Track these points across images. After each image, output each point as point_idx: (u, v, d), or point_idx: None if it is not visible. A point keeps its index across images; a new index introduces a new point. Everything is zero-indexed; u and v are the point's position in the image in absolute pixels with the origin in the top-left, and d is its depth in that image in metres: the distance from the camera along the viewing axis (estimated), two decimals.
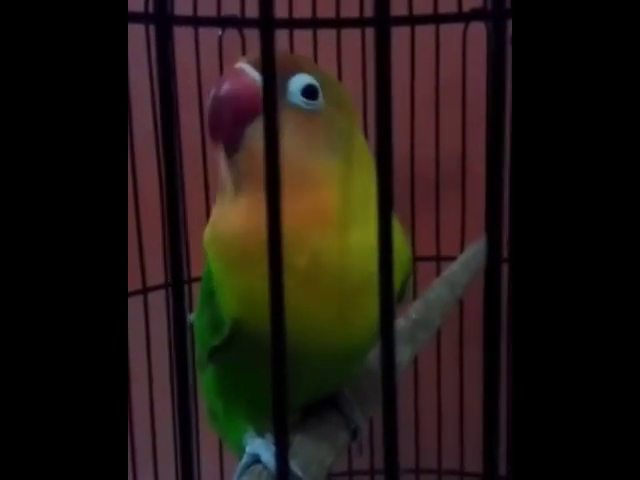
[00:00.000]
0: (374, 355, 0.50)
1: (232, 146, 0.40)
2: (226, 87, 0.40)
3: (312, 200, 0.40)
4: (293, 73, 0.41)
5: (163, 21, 0.19)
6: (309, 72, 0.41)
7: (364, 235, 0.40)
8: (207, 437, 0.58)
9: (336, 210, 0.40)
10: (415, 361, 0.89)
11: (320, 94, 0.41)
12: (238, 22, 0.79)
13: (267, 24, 0.19)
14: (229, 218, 0.42)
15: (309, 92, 0.41)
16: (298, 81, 0.41)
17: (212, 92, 0.41)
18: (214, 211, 0.44)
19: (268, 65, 0.19)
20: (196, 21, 0.78)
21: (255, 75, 0.40)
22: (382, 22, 0.18)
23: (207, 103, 0.41)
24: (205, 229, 0.45)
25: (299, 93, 0.41)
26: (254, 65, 0.40)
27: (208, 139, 0.82)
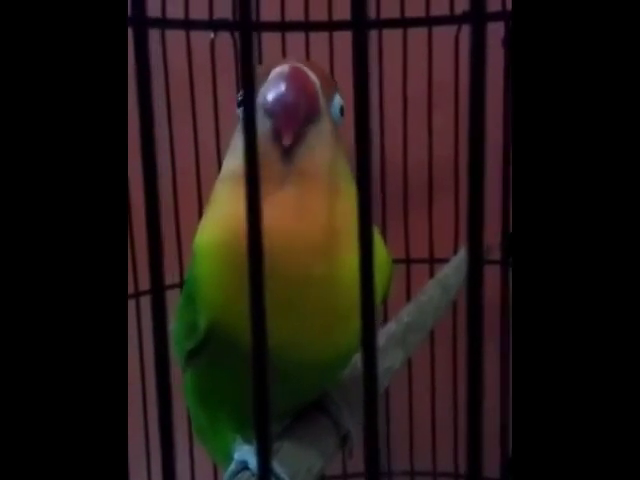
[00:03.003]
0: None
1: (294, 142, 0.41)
2: (294, 85, 0.41)
3: (337, 211, 0.42)
4: (336, 90, 0.45)
5: (141, 23, 0.18)
6: (340, 93, 0.45)
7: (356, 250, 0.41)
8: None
9: (346, 222, 0.42)
10: (409, 364, 0.89)
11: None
12: (230, 25, 0.78)
13: (246, 27, 0.19)
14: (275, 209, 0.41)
15: (341, 111, 0.45)
16: (338, 99, 0.45)
17: (273, 87, 0.41)
18: (228, 204, 0.43)
19: (247, 68, 0.19)
20: (188, 24, 0.78)
21: (315, 79, 0.42)
22: (359, 26, 0.18)
23: (273, 95, 0.41)
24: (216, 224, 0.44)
25: (338, 109, 0.45)
26: (311, 69, 0.43)
27: (201, 140, 0.82)
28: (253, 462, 0.43)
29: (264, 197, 0.40)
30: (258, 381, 0.20)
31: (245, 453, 0.44)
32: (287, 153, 0.41)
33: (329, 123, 0.43)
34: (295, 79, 0.41)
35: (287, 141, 0.40)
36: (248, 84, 0.19)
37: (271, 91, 0.41)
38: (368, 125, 0.18)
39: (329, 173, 0.42)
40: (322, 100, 0.42)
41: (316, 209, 0.41)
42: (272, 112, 0.41)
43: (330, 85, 0.44)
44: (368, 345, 0.20)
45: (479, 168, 0.19)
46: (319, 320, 0.42)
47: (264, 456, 0.20)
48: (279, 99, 0.40)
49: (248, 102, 0.19)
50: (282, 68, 0.42)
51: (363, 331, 0.20)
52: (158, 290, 0.21)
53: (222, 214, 0.42)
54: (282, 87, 0.41)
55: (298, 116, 0.41)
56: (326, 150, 0.42)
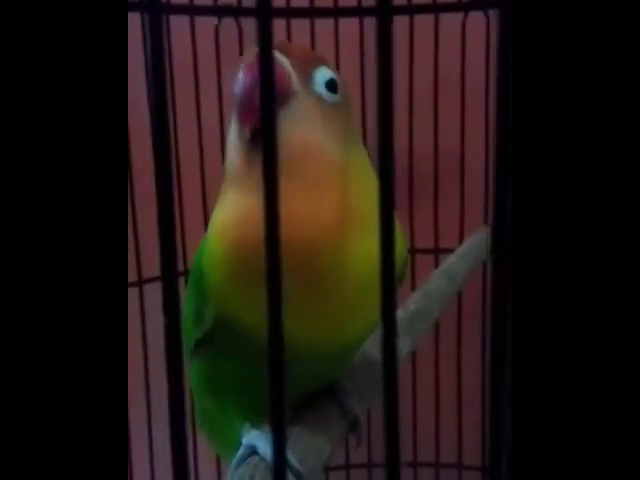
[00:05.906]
0: (371, 344, 0.50)
1: (258, 133, 0.39)
2: (248, 76, 0.39)
3: (335, 194, 0.40)
4: (318, 65, 0.42)
5: (155, 9, 0.18)
6: (328, 67, 0.42)
7: (369, 235, 0.39)
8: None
9: (354, 207, 0.40)
10: (413, 353, 0.88)
11: (339, 89, 0.42)
12: (235, 11, 0.78)
13: (264, 12, 0.19)
14: (247, 206, 0.40)
15: (331, 86, 0.41)
16: (322, 73, 0.41)
17: (241, 75, 0.39)
18: (228, 199, 0.42)
19: (266, 55, 0.19)
20: (192, 10, 0.77)
21: (283, 60, 0.40)
22: (384, 11, 0.17)
23: (236, 87, 0.40)
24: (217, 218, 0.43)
25: (323, 85, 0.41)
26: (279, 50, 0.40)
27: (205, 127, 0.82)
28: (262, 446, 0.42)
29: (251, 193, 0.39)
30: (275, 374, 0.20)
31: (254, 438, 0.43)
32: (254, 146, 0.39)
33: (309, 101, 0.40)
34: (252, 70, 0.38)
35: (246, 134, 0.38)
36: (267, 73, 0.19)
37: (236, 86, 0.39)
38: (391, 116, 0.18)
39: (315, 153, 0.40)
40: (295, 80, 0.40)
41: (306, 194, 0.39)
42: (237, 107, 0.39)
43: (308, 60, 0.41)
44: (388, 333, 0.19)
45: (507, 154, 0.19)
46: (330, 310, 0.41)
47: (279, 446, 0.20)
48: (238, 92, 0.39)
49: (267, 90, 0.18)
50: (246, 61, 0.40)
51: (383, 317, 0.19)
52: (170, 276, 0.21)
53: (233, 208, 0.41)
54: (241, 80, 0.39)
55: (250, 105, 0.38)
56: (304, 130, 0.39)
